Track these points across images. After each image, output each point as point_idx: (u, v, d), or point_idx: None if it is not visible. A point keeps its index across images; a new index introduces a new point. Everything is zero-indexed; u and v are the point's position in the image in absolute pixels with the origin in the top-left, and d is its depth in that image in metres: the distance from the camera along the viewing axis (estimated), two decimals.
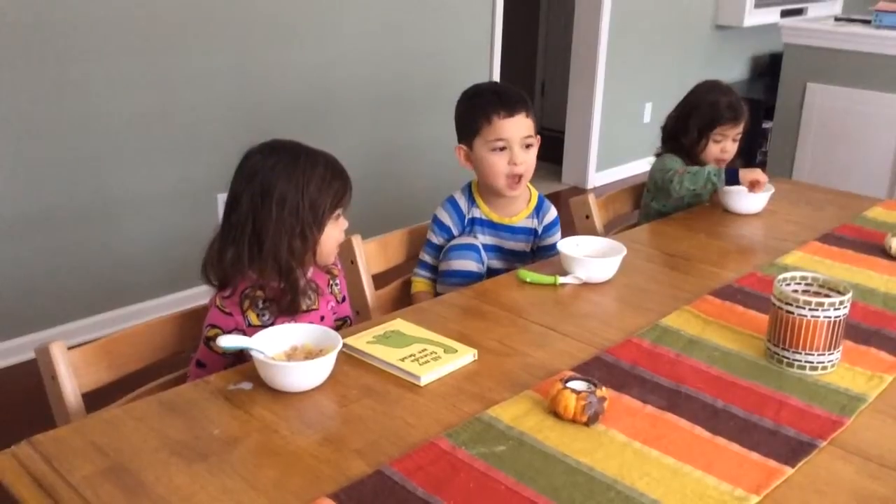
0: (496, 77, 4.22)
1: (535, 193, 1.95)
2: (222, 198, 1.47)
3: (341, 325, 1.61)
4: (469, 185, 1.94)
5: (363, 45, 3.60)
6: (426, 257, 1.92)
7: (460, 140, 1.90)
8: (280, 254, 1.41)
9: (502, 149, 1.82)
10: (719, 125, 2.28)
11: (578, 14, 4.82)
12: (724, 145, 2.31)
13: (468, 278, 1.81)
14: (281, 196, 1.41)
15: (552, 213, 1.97)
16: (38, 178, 2.77)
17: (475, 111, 1.84)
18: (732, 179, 2.14)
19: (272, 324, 1.41)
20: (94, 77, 2.81)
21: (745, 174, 2.12)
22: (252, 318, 1.43)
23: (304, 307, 1.46)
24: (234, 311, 1.43)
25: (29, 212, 2.77)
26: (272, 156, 1.44)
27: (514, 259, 1.93)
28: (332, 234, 1.49)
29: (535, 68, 6.30)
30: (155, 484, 1.03)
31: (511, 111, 1.81)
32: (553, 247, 1.96)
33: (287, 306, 1.43)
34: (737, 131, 2.31)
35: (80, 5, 2.72)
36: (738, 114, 2.30)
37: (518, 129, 1.82)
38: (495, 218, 1.91)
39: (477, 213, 1.91)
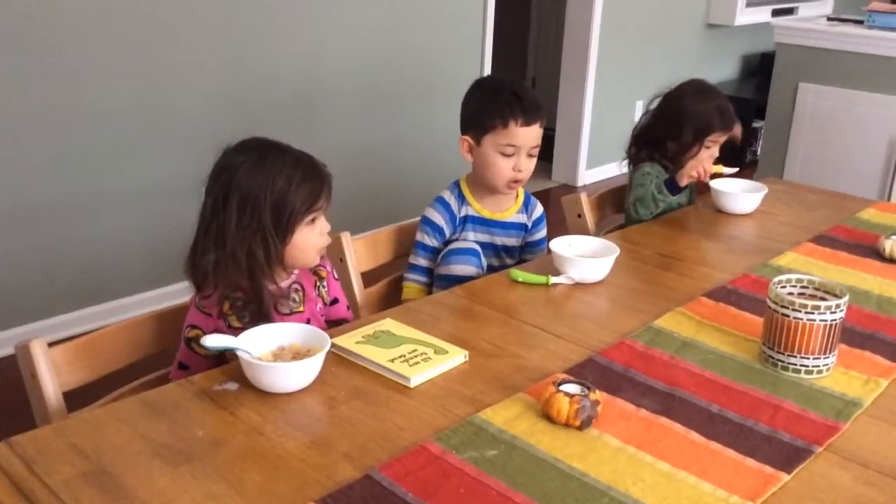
0: (486, 73, 4.19)
1: (521, 189, 1.93)
2: None
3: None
4: (457, 183, 1.91)
5: (354, 39, 3.56)
6: (420, 260, 1.86)
7: (465, 131, 1.84)
8: (239, 261, 1.32)
9: (510, 154, 1.79)
10: (714, 132, 2.23)
11: (570, 11, 4.80)
12: (713, 151, 2.27)
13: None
14: (242, 198, 1.32)
15: (539, 207, 1.96)
16: (20, 170, 2.72)
17: (492, 109, 1.77)
18: (674, 190, 2.11)
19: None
20: (79, 69, 2.77)
21: (681, 177, 2.09)
22: (233, 320, 1.38)
23: (286, 311, 1.41)
24: (214, 313, 1.38)
25: (10, 204, 2.72)
26: (241, 154, 1.36)
27: (505, 255, 1.91)
28: (308, 238, 1.39)
29: (526, 65, 6.27)
30: (137, 487, 1.00)
31: (529, 120, 1.76)
32: (540, 242, 1.95)
33: (257, 313, 1.36)
34: (725, 137, 2.28)
35: None
36: (731, 122, 2.25)
37: (531, 138, 1.79)
38: (487, 214, 1.89)
39: (469, 211, 1.88)
